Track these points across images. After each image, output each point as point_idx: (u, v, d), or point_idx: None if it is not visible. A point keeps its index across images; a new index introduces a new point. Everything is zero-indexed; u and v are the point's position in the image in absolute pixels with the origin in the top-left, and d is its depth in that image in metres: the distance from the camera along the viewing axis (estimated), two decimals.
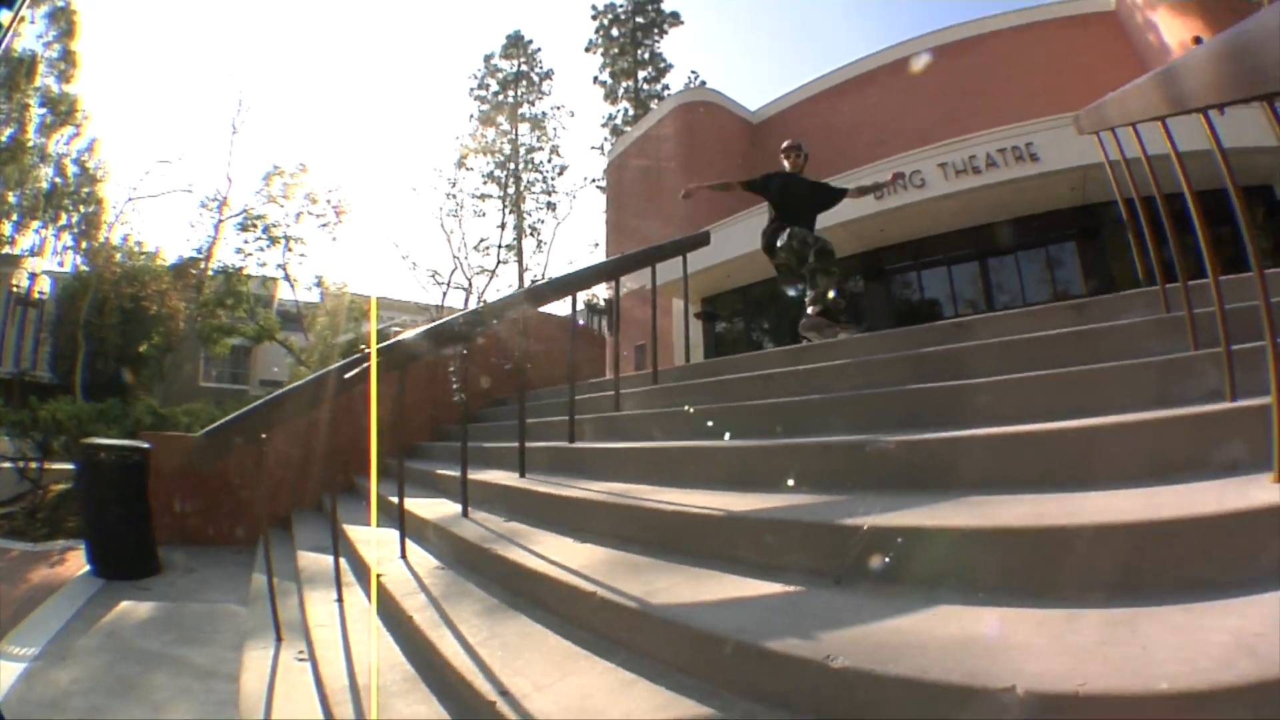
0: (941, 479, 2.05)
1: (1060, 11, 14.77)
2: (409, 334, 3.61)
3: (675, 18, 33.73)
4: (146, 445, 6.20)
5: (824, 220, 11.63)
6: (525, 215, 31.11)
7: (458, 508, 3.56)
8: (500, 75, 32.65)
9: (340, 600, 3.27)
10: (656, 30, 33.87)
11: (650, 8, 33.76)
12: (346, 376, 3.34)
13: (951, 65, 15.70)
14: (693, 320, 16.93)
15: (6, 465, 9.29)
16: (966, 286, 12.55)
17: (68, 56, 37.92)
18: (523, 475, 3.71)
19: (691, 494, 2.55)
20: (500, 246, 30.24)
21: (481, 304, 3.87)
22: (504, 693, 1.69)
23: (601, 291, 20.61)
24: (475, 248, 30.46)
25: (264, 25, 57.41)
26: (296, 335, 24.55)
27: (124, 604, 5.07)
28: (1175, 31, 11.76)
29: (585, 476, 3.46)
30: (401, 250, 48.01)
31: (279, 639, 3.21)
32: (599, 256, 27.98)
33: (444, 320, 3.79)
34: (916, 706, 1.16)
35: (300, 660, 3.00)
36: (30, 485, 9.10)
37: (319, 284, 25.45)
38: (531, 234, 31.28)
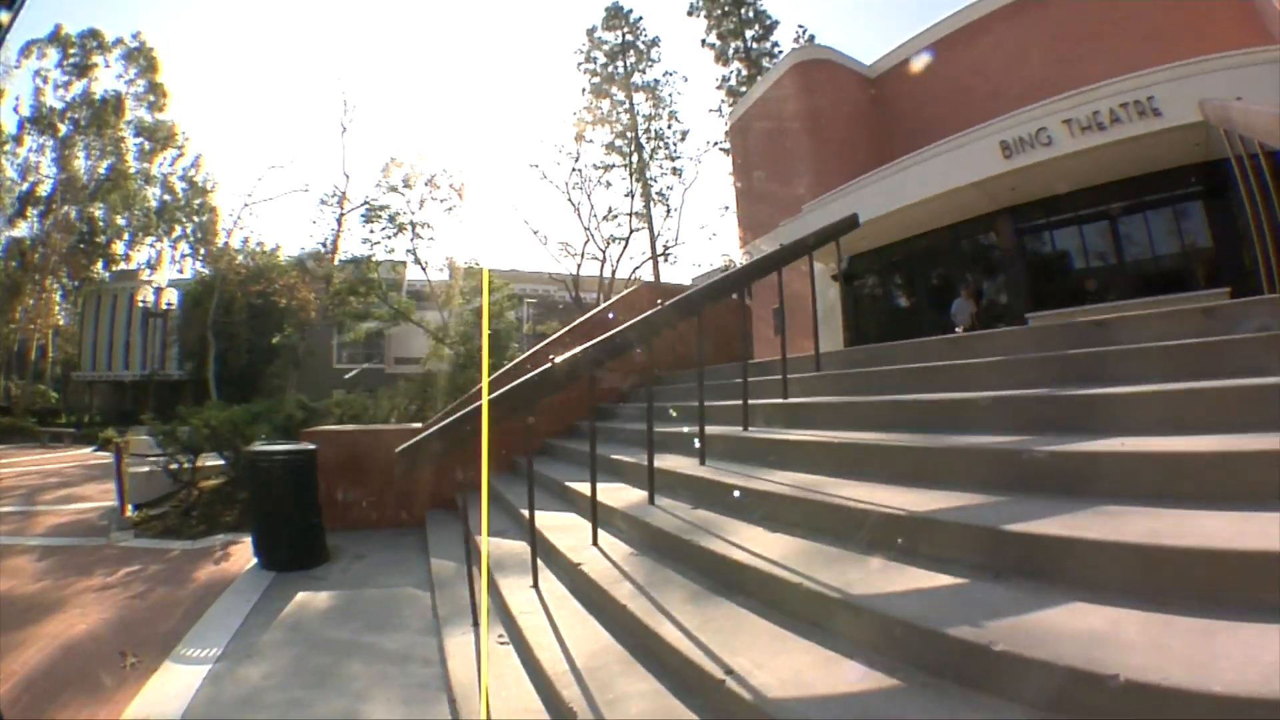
0: (1081, 487, 2.31)
1: None
2: (580, 350, 3.73)
3: None
4: (312, 446, 6.45)
5: (951, 176, 11.71)
6: (651, 183, 31.27)
7: (641, 494, 3.84)
8: (605, 47, 32.86)
9: (536, 586, 3.43)
10: None
11: None
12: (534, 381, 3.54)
13: (1062, 8, 14.83)
14: (831, 282, 16.80)
15: (145, 469, 9.71)
16: (1097, 241, 12.18)
17: (155, 88, 41.33)
18: (702, 463, 3.99)
19: (870, 488, 2.83)
20: (631, 214, 30.75)
21: (623, 328, 3.67)
22: (729, 671, 1.99)
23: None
24: (605, 218, 31.11)
25: (364, 19, 60.63)
26: (430, 313, 25.84)
27: (300, 595, 5.14)
28: None
29: (763, 466, 3.73)
30: (531, 225, 49.29)
31: (475, 624, 3.45)
32: (729, 220, 28.06)
33: (607, 337, 3.85)
34: (1052, 683, 1.50)
35: (502, 644, 3.14)
36: (181, 485, 9.49)
37: (448, 265, 26.92)
38: (660, 200, 31.50)
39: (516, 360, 9.00)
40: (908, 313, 15.52)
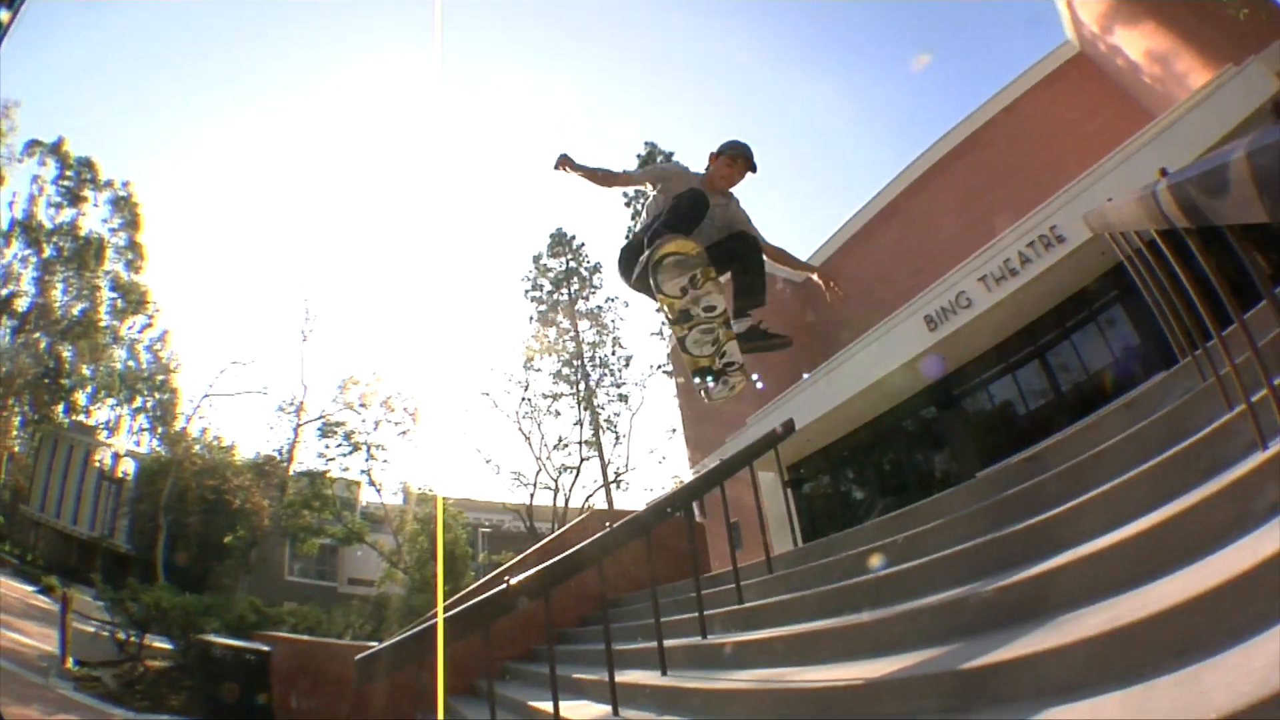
0: (1031, 609, 2.32)
1: (1034, 77, 15.01)
2: (535, 571, 3.92)
3: None
4: (267, 648, 6.57)
5: (883, 362, 11.97)
6: (598, 410, 31.08)
7: (605, 709, 3.77)
8: (551, 274, 33.44)
9: None
10: None
11: None
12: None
13: (959, 169, 16.03)
14: (779, 490, 16.83)
15: (90, 629, 9.61)
16: (1034, 380, 12.30)
17: (133, 246, 39.53)
18: (664, 674, 3.91)
19: (827, 669, 2.78)
20: (580, 443, 30.35)
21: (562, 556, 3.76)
22: None
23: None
24: (555, 447, 30.53)
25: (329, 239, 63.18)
26: (384, 536, 25.46)
27: None
28: (1136, 43, 11.84)
29: (724, 668, 3.64)
30: (484, 454, 49.03)
31: None
32: (678, 442, 27.98)
33: (561, 558, 4.06)
34: None
35: None
36: (126, 657, 9.38)
37: (403, 489, 26.78)
38: (609, 428, 31.12)
39: (472, 585, 9.09)
40: (861, 504, 15.37)
